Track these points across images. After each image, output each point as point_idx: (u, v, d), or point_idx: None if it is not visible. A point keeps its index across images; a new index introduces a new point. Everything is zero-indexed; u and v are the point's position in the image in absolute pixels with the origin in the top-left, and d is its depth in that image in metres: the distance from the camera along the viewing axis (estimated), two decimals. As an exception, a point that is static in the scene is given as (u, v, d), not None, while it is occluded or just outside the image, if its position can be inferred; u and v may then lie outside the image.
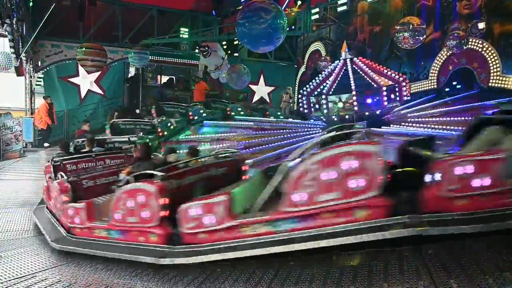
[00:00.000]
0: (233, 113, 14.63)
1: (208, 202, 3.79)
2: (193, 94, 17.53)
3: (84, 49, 12.42)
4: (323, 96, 9.22)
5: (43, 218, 5.93)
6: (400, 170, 3.82)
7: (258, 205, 3.85)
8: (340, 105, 9.06)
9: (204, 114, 13.95)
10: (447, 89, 12.58)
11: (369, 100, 8.93)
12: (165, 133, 12.04)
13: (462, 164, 3.13)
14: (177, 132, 12.59)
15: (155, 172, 4.24)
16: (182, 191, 4.25)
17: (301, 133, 10.29)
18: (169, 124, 12.43)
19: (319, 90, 9.53)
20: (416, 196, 3.26)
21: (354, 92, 8.90)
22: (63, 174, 5.70)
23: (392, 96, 9.00)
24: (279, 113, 15.17)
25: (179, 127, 12.88)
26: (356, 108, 8.92)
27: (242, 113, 14.73)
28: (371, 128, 8.98)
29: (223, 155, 5.54)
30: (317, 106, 9.41)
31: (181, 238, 3.97)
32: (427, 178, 3.24)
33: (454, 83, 12.54)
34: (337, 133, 4.09)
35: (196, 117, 13.72)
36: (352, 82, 9.04)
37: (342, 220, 3.32)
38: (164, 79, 19.89)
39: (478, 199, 3.11)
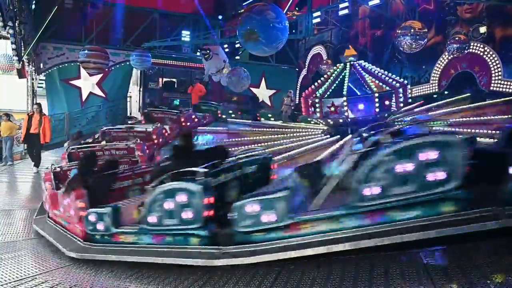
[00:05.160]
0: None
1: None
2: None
3: (86, 51, 12.47)
4: (317, 100, 9.21)
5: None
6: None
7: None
8: (332, 109, 9.04)
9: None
10: (446, 92, 12.61)
11: (361, 106, 8.86)
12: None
13: None
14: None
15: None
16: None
17: (301, 137, 10.27)
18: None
19: (316, 93, 9.53)
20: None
21: (344, 98, 8.87)
22: None
23: (387, 102, 8.93)
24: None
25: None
26: (346, 114, 8.90)
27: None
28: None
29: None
30: (312, 109, 9.40)
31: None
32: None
33: (456, 86, 12.55)
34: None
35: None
36: (345, 86, 9.03)
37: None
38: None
39: None
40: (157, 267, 3.88)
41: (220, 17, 18.96)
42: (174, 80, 20.24)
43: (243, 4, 17.47)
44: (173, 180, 3.99)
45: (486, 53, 11.45)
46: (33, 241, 5.33)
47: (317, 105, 9.14)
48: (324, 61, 16.49)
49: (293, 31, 16.42)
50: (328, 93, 9.29)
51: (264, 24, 6.46)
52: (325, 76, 10.07)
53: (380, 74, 9.47)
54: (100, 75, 16.31)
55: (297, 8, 17.19)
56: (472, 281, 2.58)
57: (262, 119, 14.23)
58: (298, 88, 19.74)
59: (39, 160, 10.52)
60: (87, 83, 17.11)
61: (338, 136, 9.10)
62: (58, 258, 4.62)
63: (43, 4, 14.56)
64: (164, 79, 19.97)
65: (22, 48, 11.52)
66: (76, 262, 4.43)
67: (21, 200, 7.84)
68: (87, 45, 13.82)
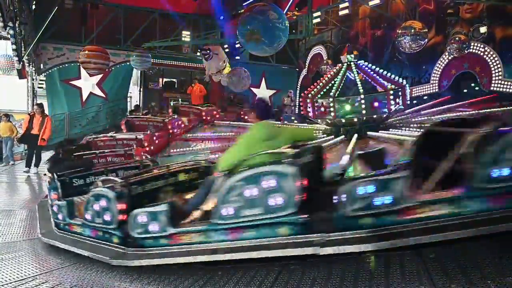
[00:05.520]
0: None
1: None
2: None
3: (86, 51, 12.49)
4: (331, 99, 9.11)
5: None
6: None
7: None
8: (348, 107, 8.98)
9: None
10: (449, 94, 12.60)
11: (375, 104, 8.90)
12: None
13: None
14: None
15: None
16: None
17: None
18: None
19: (322, 93, 9.49)
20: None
21: (362, 96, 8.85)
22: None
23: (398, 100, 8.99)
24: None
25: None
26: (364, 112, 8.89)
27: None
28: (368, 132, 8.96)
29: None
30: (322, 109, 9.33)
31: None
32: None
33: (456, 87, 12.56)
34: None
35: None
36: (359, 85, 9.02)
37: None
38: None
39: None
40: (158, 267, 3.89)
41: (221, 17, 18.95)
42: (174, 80, 20.25)
43: (243, 4, 17.47)
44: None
45: (486, 53, 11.45)
46: (33, 241, 5.33)
47: (330, 104, 9.05)
48: (325, 61, 16.49)
49: (293, 31, 16.43)
50: (338, 92, 9.26)
51: (267, 24, 6.50)
52: (329, 76, 9.99)
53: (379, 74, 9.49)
54: (100, 76, 16.31)
55: (297, 8, 17.19)
56: (472, 281, 2.58)
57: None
58: (298, 88, 19.74)
59: (39, 160, 10.51)
60: (88, 84, 17.13)
61: (343, 136, 9.09)
62: (59, 258, 4.62)
63: (43, 5, 14.59)
64: (164, 79, 19.98)
65: (23, 49, 11.53)
66: (77, 262, 4.43)
67: (22, 200, 7.84)
68: (87, 45, 13.83)
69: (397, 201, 3.13)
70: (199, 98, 16.17)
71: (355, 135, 8.69)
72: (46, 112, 11.95)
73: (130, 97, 19.10)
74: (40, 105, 10.98)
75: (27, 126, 10.41)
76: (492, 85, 11.29)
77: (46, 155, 10.99)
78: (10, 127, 11.85)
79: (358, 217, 3.23)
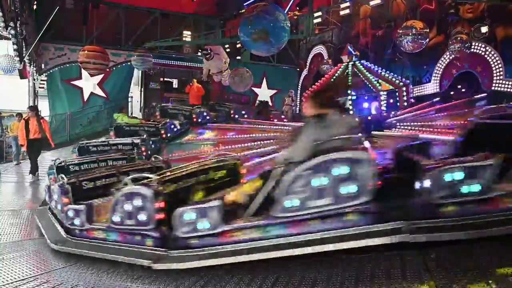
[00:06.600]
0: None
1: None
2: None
3: (86, 51, 12.48)
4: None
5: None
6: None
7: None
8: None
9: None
10: (451, 92, 12.56)
11: (365, 104, 8.92)
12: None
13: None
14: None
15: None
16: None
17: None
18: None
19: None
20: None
21: (349, 97, 8.89)
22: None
23: (392, 101, 8.98)
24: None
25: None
26: (351, 112, 8.91)
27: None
28: (373, 132, 8.96)
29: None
30: None
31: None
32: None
33: (458, 86, 12.53)
34: None
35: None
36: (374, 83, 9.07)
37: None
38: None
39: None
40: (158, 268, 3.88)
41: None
42: (172, 80, 20.29)
43: (244, 4, 17.48)
44: None
45: (487, 53, 11.43)
46: (35, 241, 5.33)
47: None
48: (325, 61, 16.48)
49: (294, 31, 16.40)
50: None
51: (274, 24, 6.52)
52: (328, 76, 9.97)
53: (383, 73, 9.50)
54: (101, 76, 16.32)
55: (297, 8, 17.19)
56: (473, 281, 2.58)
57: None
58: (299, 88, 19.72)
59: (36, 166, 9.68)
60: (89, 84, 17.15)
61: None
62: (60, 258, 4.62)
63: (44, 5, 14.60)
64: (165, 79, 19.99)
65: (24, 49, 11.54)
66: (78, 262, 4.43)
67: (25, 200, 7.85)
68: (87, 46, 13.83)
69: None
70: (197, 98, 16.10)
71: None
72: (46, 112, 11.97)
73: (131, 97, 19.10)
74: (33, 108, 10.30)
75: (25, 132, 9.47)
76: (493, 85, 11.27)
77: (46, 156, 11.02)
78: None
79: None
